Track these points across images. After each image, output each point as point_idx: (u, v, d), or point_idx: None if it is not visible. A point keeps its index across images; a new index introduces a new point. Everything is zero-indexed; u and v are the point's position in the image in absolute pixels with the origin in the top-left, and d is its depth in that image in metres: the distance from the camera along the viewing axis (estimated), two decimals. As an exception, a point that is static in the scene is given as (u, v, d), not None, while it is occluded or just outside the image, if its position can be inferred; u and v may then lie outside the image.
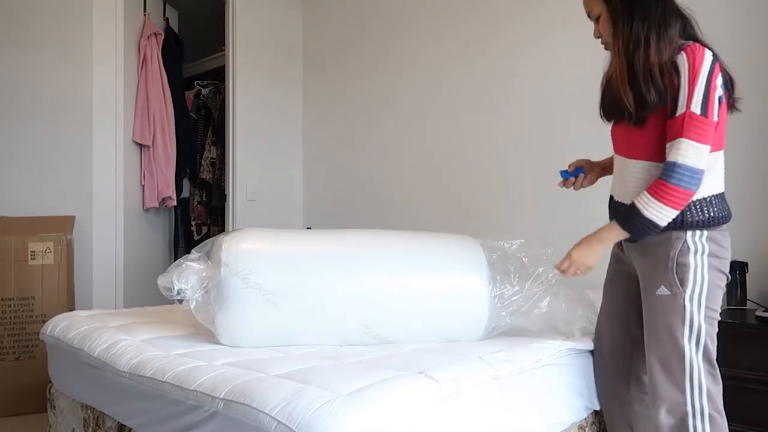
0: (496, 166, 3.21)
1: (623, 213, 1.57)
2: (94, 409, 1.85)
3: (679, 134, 1.46)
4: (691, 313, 1.51)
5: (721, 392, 1.54)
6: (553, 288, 1.85)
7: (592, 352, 1.87)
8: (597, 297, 1.98)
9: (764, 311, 2.14)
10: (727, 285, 2.28)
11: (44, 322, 2.48)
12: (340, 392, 1.23)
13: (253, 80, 3.85)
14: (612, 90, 1.59)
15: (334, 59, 4.01)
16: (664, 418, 1.54)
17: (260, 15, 3.91)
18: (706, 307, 1.52)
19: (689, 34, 1.56)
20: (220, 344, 1.71)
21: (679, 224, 1.53)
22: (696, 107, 1.45)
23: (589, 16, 1.67)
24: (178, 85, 3.84)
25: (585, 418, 1.85)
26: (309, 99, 4.17)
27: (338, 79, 3.99)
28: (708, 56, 1.47)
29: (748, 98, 2.41)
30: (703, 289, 1.52)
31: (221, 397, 1.30)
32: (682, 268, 1.52)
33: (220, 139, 4.11)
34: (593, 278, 2.27)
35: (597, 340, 1.86)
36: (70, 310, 2.82)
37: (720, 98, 1.48)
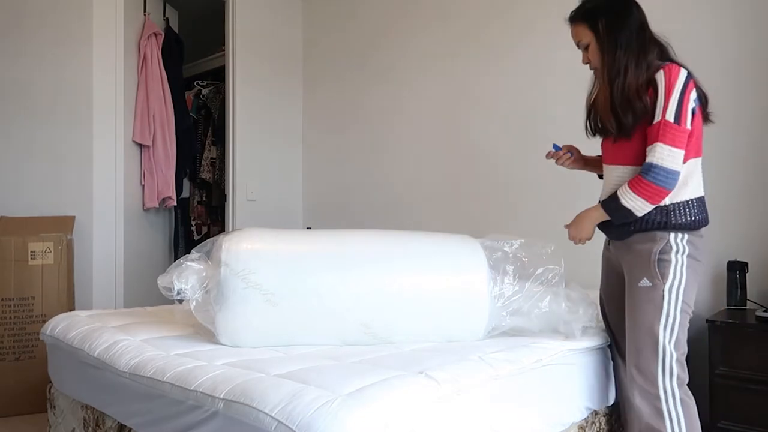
0: (497, 166, 3.21)
1: (607, 198, 1.76)
2: (94, 409, 1.85)
3: (655, 139, 1.64)
4: (668, 303, 1.67)
5: (687, 380, 1.68)
6: (553, 288, 1.86)
7: (596, 350, 1.89)
8: (597, 296, 2.00)
9: (764, 311, 2.14)
10: (727, 285, 2.33)
11: (44, 322, 2.48)
12: (340, 392, 1.23)
13: (253, 80, 3.85)
14: (599, 111, 1.80)
15: (334, 59, 4.01)
16: (639, 401, 1.68)
17: (260, 15, 3.91)
18: (683, 301, 1.67)
19: (666, 57, 1.75)
20: (220, 344, 1.71)
21: (663, 225, 1.69)
22: (670, 116, 1.62)
23: (578, 46, 1.83)
24: (178, 85, 3.83)
25: (585, 418, 1.86)
26: (309, 99, 4.17)
27: (338, 80, 3.99)
28: (683, 73, 1.65)
29: (747, 101, 2.43)
30: (681, 283, 1.67)
31: (221, 397, 1.30)
32: (663, 263, 1.68)
33: (220, 139, 4.11)
34: (593, 278, 2.28)
35: (609, 334, 1.96)
36: (70, 310, 2.82)
37: (693, 110, 1.66)
